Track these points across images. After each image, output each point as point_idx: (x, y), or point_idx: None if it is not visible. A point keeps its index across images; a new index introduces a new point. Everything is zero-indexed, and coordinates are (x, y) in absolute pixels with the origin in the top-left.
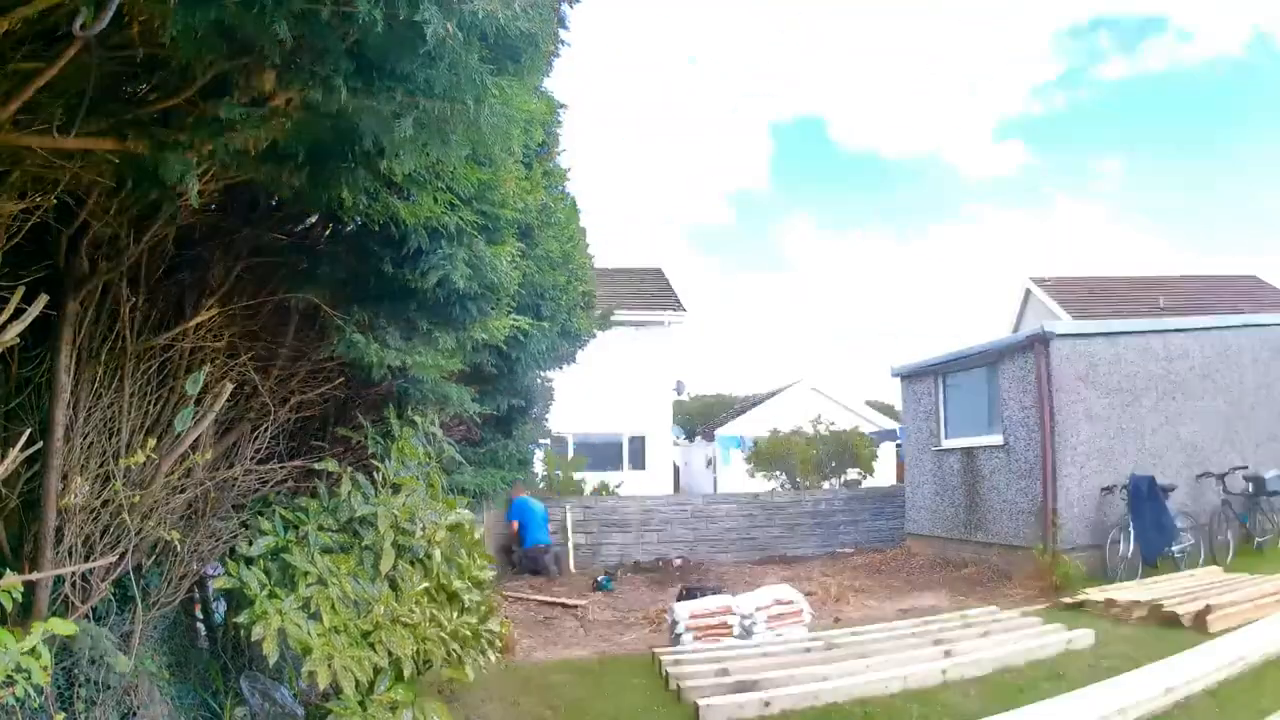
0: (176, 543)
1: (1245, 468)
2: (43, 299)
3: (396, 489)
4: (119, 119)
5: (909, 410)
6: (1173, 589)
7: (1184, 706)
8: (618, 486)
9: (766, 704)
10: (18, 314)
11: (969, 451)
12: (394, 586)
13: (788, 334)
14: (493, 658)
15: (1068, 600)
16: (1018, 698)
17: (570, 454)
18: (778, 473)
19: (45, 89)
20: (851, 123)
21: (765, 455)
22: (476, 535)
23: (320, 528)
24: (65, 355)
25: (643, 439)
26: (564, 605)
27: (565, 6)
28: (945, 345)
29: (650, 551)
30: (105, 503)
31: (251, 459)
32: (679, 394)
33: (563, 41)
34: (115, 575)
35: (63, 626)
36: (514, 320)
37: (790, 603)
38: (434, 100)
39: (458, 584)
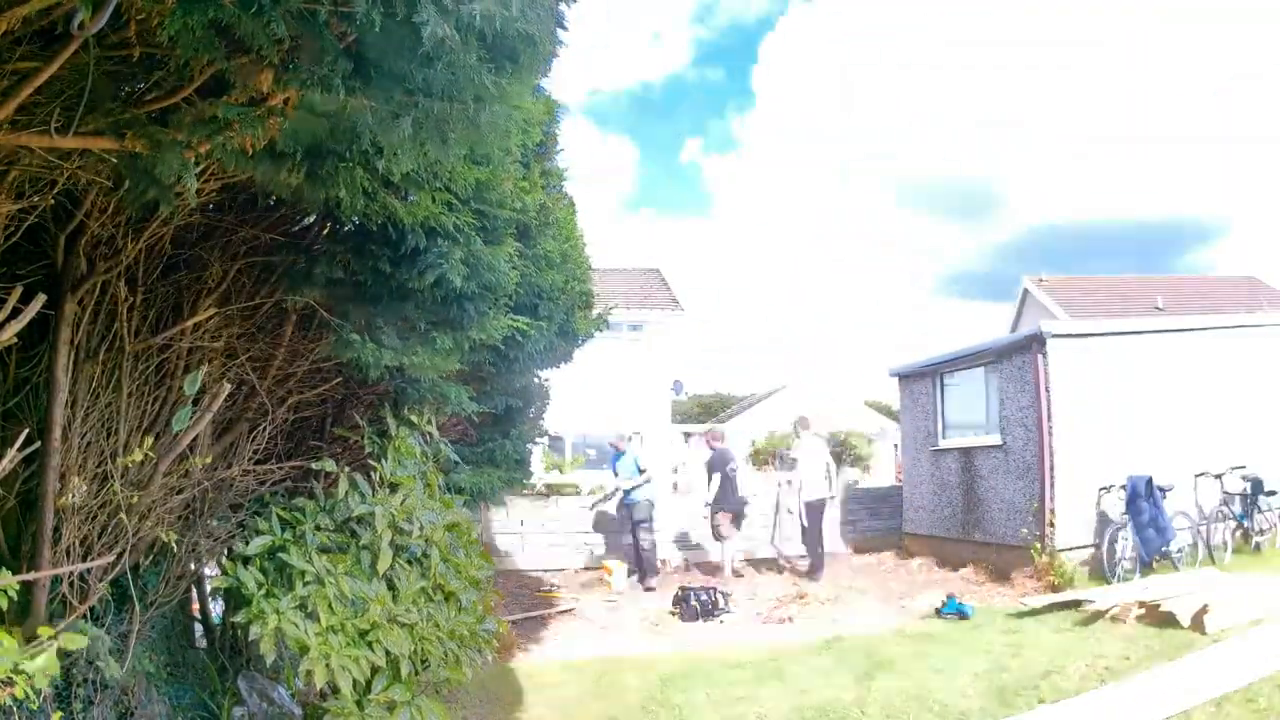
0: (174, 543)
1: (1243, 467)
2: (40, 299)
3: (394, 488)
4: (117, 118)
5: (907, 410)
6: (1171, 589)
7: (1186, 713)
8: None
9: None
10: (15, 314)
11: (967, 451)
12: (391, 586)
13: (786, 333)
14: (490, 657)
15: (1065, 599)
16: (1015, 698)
17: (568, 454)
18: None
19: (43, 88)
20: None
21: (763, 455)
22: (473, 535)
23: (317, 527)
24: (63, 355)
25: (641, 438)
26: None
27: (564, 6)
28: (944, 345)
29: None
30: (103, 503)
31: (249, 459)
32: (677, 394)
33: (560, 42)
34: (113, 575)
35: (76, 641)
36: (512, 320)
37: None
38: (432, 100)
39: (455, 583)
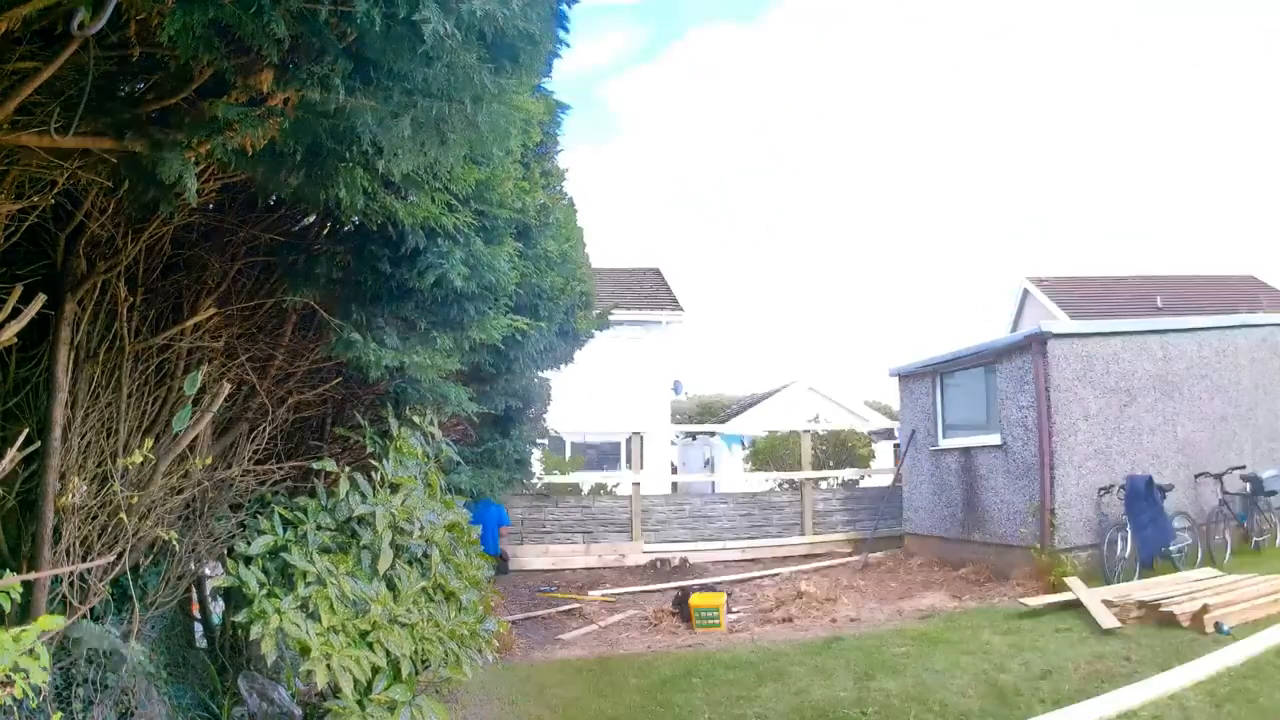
0: (174, 543)
1: (1243, 467)
2: (40, 298)
3: (395, 489)
4: (117, 118)
5: (907, 410)
6: (1170, 589)
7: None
8: (615, 486)
9: None
10: (15, 314)
11: (967, 451)
12: (392, 586)
13: (786, 333)
14: (490, 657)
15: (1065, 599)
16: (1014, 698)
17: (568, 454)
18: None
19: (43, 88)
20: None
21: (763, 455)
22: (474, 535)
23: (318, 527)
24: (63, 355)
25: (641, 439)
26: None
27: (564, 6)
28: (944, 345)
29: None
30: (103, 503)
31: (249, 459)
32: (677, 394)
33: (562, 42)
34: (113, 575)
35: (52, 622)
36: (511, 320)
37: None
38: (432, 100)
39: (455, 584)
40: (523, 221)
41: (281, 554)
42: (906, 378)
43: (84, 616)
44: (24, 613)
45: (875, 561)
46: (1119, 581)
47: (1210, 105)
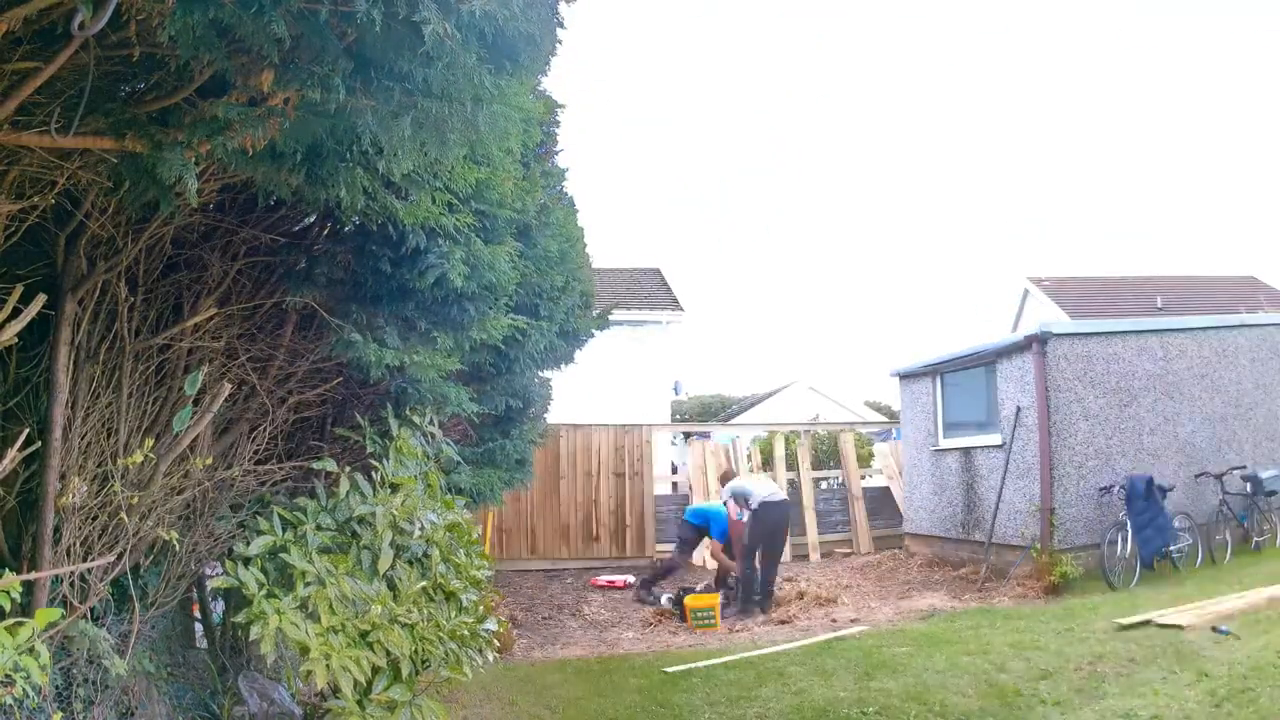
0: (174, 543)
1: (1243, 468)
2: (41, 299)
3: (395, 489)
4: (117, 118)
5: (907, 410)
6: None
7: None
8: None
9: None
10: (15, 314)
11: (967, 451)
12: (392, 586)
13: (786, 333)
14: (490, 657)
15: (1064, 600)
16: (1015, 698)
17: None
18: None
19: (43, 88)
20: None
21: (763, 455)
22: (474, 535)
23: (318, 527)
24: (63, 355)
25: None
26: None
27: (563, 5)
28: (944, 345)
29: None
30: (104, 503)
31: (250, 459)
32: (677, 394)
33: (559, 41)
34: (113, 575)
35: (51, 616)
36: (512, 320)
37: None
38: (432, 100)
39: (455, 584)
40: (523, 221)
41: (280, 554)
42: (907, 378)
43: (84, 617)
44: (24, 613)
45: (875, 561)
46: (1119, 582)
47: (1210, 105)
